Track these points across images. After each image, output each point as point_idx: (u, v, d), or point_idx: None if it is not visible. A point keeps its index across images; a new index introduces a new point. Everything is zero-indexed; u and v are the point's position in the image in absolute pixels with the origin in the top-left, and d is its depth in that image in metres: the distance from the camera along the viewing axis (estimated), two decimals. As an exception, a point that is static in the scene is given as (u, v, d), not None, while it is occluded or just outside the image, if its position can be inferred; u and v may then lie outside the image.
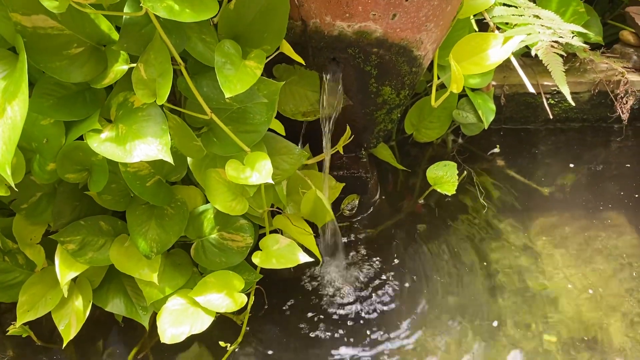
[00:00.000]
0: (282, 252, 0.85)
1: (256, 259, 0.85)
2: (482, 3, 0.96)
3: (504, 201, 1.26)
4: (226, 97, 0.66)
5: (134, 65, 0.70)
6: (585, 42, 1.26)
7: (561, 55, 0.95)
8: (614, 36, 1.46)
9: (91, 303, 0.91)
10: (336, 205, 1.13)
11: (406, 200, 1.24)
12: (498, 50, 0.91)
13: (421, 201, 1.22)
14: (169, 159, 0.68)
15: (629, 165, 1.36)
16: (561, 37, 0.92)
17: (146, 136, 0.70)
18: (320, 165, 1.05)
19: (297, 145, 0.90)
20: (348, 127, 0.97)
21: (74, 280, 0.91)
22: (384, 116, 1.02)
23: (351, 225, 1.16)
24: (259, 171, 0.72)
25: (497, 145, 1.35)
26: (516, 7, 1.00)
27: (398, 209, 1.22)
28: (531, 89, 0.95)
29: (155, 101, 0.68)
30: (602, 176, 1.33)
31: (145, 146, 0.69)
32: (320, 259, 0.97)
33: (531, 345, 1.01)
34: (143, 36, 0.68)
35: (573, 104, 0.98)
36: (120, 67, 0.70)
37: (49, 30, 0.67)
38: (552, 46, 0.93)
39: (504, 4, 1.01)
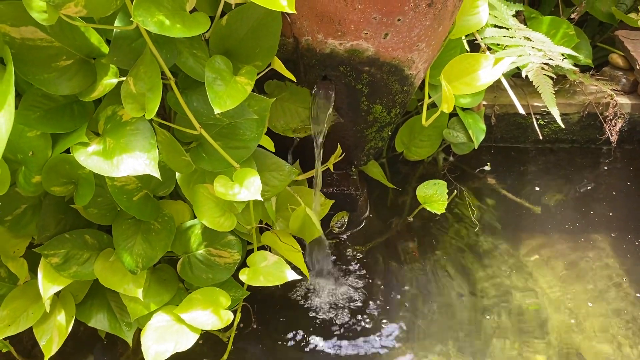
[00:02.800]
0: (270, 270, 0.84)
1: (243, 275, 0.84)
2: (474, 24, 0.97)
3: (494, 220, 1.26)
4: (216, 113, 0.65)
5: (124, 78, 0.70)
6: (575, 65, 1.28)
7: (551, 77, 0.96)
8: (604, 58, 1.48)
9: (74, 318, 0.89)
10: (325, 221, 1.13)
11: (396, 218, 1.23)
12: (489, 71, 0.91)
13: (411, 219, 1.22)
14: (156, 174, 0.67)
15: (617, 187, 1.36)
16: (551, 59, 0.92)
17: (134, 150, 0.69)
18: (310, 182, 1.04)
19: (287, 161, 0.89)
20: (339, 145, 0.97)
21: (57, 294, 0.89)
22: (375, 134, 1.02)
23: (340, 242, 1.15)
24: (248, 188, 0.72)
25: (488, 164, 1.35)
26: (507, 28, 1.01)
27: (387, 227, 1.21)
28: (522, 111, 0.96)
29: (144, 115, 0.68)
30: (590, 197, 1.34)
31: (133, 160, 0.69)
32: (308, 277, 0.96)
33: (519, 366, 1.00)
34: (133, 50, 0.68)
35: (562, 125, 0.99)
36: (109, 81, 0.70)
37: (38, 42, 0.67)
38: (542, 68, 0.93)
39: (495, 26, 1.01)
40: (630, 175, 1.37)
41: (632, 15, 1.42)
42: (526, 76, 0.99)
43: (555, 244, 1.23)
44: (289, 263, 0.90)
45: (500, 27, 1.01)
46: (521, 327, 1.06)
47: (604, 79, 1.34)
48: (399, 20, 0.78)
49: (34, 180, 0.76)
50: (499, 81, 1.03)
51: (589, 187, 1.36)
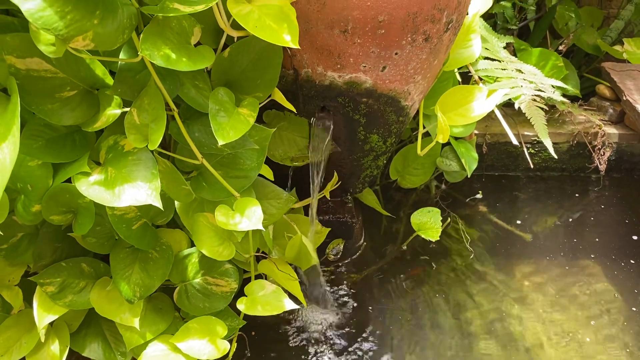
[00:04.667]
0: (268, 299, 0.84)
1: (241, 305, 0.84)
2: (467, 57, 1.00)
3: (486, 247, 1.27)
4: (219, 144, 0.66)
5: (127, 109, 0.70)
6: (564, 95, 1.31)
7: (543, 109, 0.98)
8: (590, 88, 1.52)
9: (68, 348, 0.88)
10: (321, 249, 1.13)
11: (390, 245, 1.24)
12: (483, 102, 0.93)
13: (404, 247, 1.23)
14: (158, 204, 0.68)
15: (606, 214, 1.39)
16: (543, 91, 0.95)
17: (136, 180, 0.70)
18: (306, 209, 1.05)
19: (285, 188, 0.90)
20: (335, 173, 0.98)
21: (51, 323, 0.88)
22: (371, 162, 1.04)
23: (336, 270, 1.16)
24: (249, 217, 0.72)
25: (480, 192, 1.37)
26: (499, 61, 1.03)
27: (382, 254, 1.22)
28: (515, 142, 0.98)
29: (146, 146, 0.68)
30: (580, 224, 1.36)
31: (135, 190, 0.69)
32: (305, 305, 0.96)
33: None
34: (137, 82, 0.69)
35: (555, 156, 1.01)
36: (113, 111, 0.71)
37: (43, 73, 0.67)
38: (534, 100, 0.96)
39: (488, 58, 1.04)
40: (618, 202, 1.40)
41: (617, 48, 1.47)
42: (518, 107, 1.01)
43: (546, 271, 1.25)
44: (286, 291, 0.90)
45: (493, 60, 1.03)
46: (513, 355, 1.07)
47: (591, 109, 1.38)
48: (396, 54, 0.80)
49: (33, 209, 0.76)
50: (491, 111, 1.05)
51: (578, 214, 1.38)
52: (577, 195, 1.41)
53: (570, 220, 1.37)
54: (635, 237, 1.33)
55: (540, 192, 1.41)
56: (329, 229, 1.07)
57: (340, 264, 1.17)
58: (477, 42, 1.01)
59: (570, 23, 1.45)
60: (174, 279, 0.89)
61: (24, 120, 0.73)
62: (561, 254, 1.28)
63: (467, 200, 1.37)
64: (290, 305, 0.83)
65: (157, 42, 0.62)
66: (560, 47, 1.37)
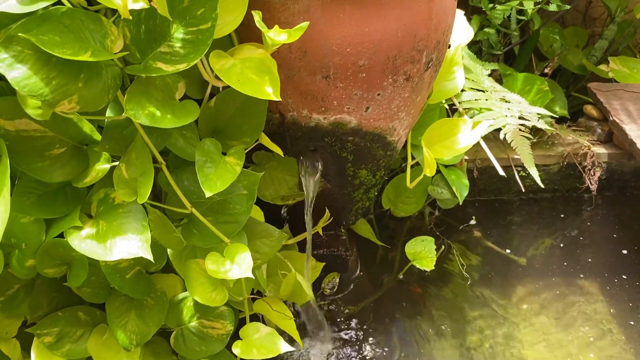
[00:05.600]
0: (263, 342, 0.85)
1: (237, 349, 0.84)
2: (451, 89, 1.01)
3: (482, 272, 1.28)
4: (206, 195, 0.67)
5: (116, 163, 0.72)
6: (552, 117, 1.32)
7: (528, 138, 0.99)
8: (579, 107, 1.54)
9: (66, 398, 0.88)
10: (317, 283, 1.14)
11: (386, 275, 1.25)
12: (468, 134, 0.95)
13: (401, 276, 1.23)
14: (149, 256, 0.69)
15: (600, 233, 1.40)
16: (528, 119, 0.96)
17: (126, 232, 0.71)
18: (300, 245, 1.06)
19: (277, 227, 0.91)
20: (327, 210, 0.99)
21: (49, 374, 0.89)
22: (362, 195, 1.05)
23: (332, 304, 1.16)
24: (239, 264, 0.73)
25: (474, 217, 1.38)
26: (483, 91, 1.05)
27: (379, 285, 1.23)
28: (501, 172, 0.99)
29: (136, 199, 0.70)
30: (574, 244, 1.37)
31: (126, 243, 0.70)
32: (301, 345, 0.96)
33: None
34: (124, 137, 0.70)
35: (542, 185, 1.02)
36: (102, 166, 0.72)
37: (32, 132, 0.69)
38: (519, 129, 0.97)
39: (472, 89, 1.06)
40: (612, 220, 1.41)
41: (602, 67, 1.49)
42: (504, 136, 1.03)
43: (544, 292, 1.25)
44: (281, 332, 0.91)
45: (477, 90, 1.05)
46: None
47: (580, 129, 1.39)
48: (378, 94, 0.82)
49: (27, 263, 0.77)
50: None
51: (572, 234, 1.39)
52: (569, 215, 1.42)
53: (564, 240, 1.37)
54: (625, 251, 1.34)
55: (533, 215, 1.42)
56: (324, 263, 1.08)
57: (336, 298, 1.17)
58: (460, 75, 1.02)
59: (555, 45, 1.47)
60: (169, 323, 0.90)
61: (14, 176, 0.74)
62: (557, 274, 1.29)
63: (461, 226, 1.38)
64: (285, 347, 0.84)
65: (141, 100, 0.63)
66: (546, 70, 1.39)
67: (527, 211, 1.42)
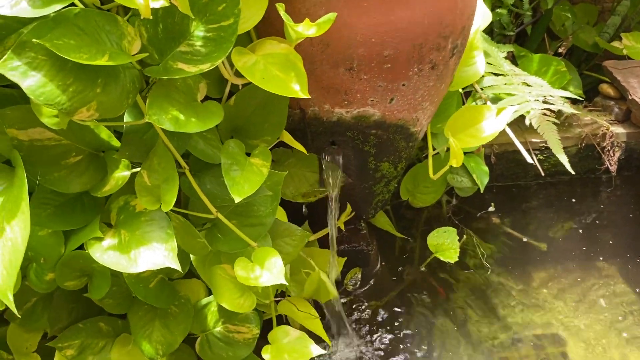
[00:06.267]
0: (294, 346, 0.82)
1: (267, 354, 0.82)
2: (472, 75, 0.98)
3: (502, 259, 1.26)
4: (235, 201, 0.64)
5: (136, 169, 0.68)
6: (567, 98, 1.29)
7: (555, 123, 0.96)
8: (591, 85, 1.50)
9: (93, 411, 0.86)
10: (339, 279, 1.11)
11: (407, 267, 1.22)
12: (492, 121, 0.92)
13: (423, 269, 1.21)
14: (176, 265, 0.66)
15: (619, 214, 1.37)
16: (552, 103, 0.93)
17: (150, 242, 0.68)
18: (320, 241, 1.03)
19: (297, 224, 0.88)
20: (348, 204, 0.96)
21: (73, 387, 0.86)
22: (382, 188, 1.02)
23: (356, 299, 1.14)
24: (270, 270, 0.70)
25: (492, 204, 1.35)
26: (504, 75, 1.02)
27: (400, 278, 1.20)
28: (529, 159, 0.95)
29: (160, 207, 0.67)
30: (593, 226, 1.35)
31: (151, 253, 0.67)
32: (329, 343, 0.94)
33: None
34: (145, 142, 0.67)
35: (573, 172, 0.99)
36: (121, 174, 0.68)
37: (47, 141, 0.65)
38: (544, 114, 0.94)
39: (492, 73, 1.02)
40: (632, 201, 1.38)
41: (616, 44, 1.45)
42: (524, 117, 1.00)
43: (564, 277, 1.23)
44: (308, 331, 0.89)
45: (497, 75, 1.02)
46: None
47: (597, 109, 1.36)
48: (403, 85, 0.78)
49: (47, 277, 0.74)
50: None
51: (592, 217, 1.36)
52: (588, 197, 1.39)
53: (583, 223, 1.35)
54: None
55: (551, 198, 1.39)
56: (345, 258, 1.05)
57: (359, 293, 1.15)
58: (480, 59, 0.99)
59: (567, 23, 1.43)
60: (194, 330, 0.87)
61: (30, 189, 0.71)
62: (576, 258, 1.27)
63: (479, 213, 1.35)
64: (317, 350, 0.81)
65: (163, 104, 0.60)
66: (560, 50, 1.35)
67: (545, 195, 1.40)
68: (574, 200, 1.38)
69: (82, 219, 0.71)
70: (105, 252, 0.68)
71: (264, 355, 0.82)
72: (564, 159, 0.95)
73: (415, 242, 1.27)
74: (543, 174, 1.17)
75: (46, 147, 0.65)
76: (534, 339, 1.11)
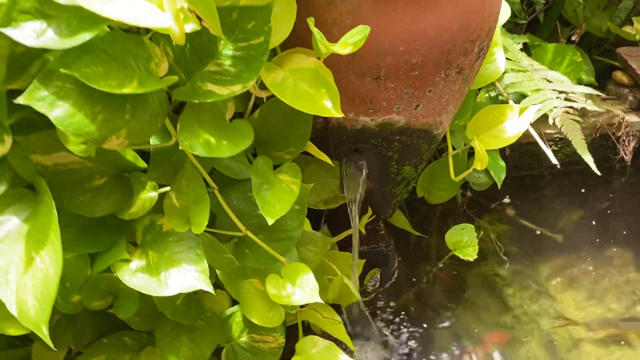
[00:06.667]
0: (323, 356, 0.81)
1: (295, 365, 0.81)
2: (493, 72, 0.96)
3: (518, 251, 1.26)
4: (269, 223, 0.62)
5: (163, 189, 0.66)
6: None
7: (578, 122, 0.95)
8: (601, 70, 1.48)
9: None
10: (359, 280, 1.10)
11: (423, 263, 1.22)
12: (515, 122, 0.90)
13: (440, 265, 1.21)
14: (208, 288, 0.65)
15: (632, 202, 1.37)
16: (575, 101, 0.91)
17: (180, 263, 0.66)
18: (339, 244, 1.02)
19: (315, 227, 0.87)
20: (369, 208, 0.95)
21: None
22: (402, 189, 1.01)
23: (375, 300, 1.13)
24: (302, 287, 0.69)
25: (507, 196, 1.34)
26: (524, 71, 1.00)
27: (418, 275, 1.20)
28: (554, 160, 0.94)
29: (190, 229, 0.65)
30: (606, 215, 1.35)
31: (181, 275, 0.65)
32: (353, 349, 0.94)
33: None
34: (173, 163, 0.65)
35: (599, 173, 0.98)
36: (149, 195, 0.66)
37: (70, 165, 0.63)
38: (567, 112, 0.92)
39: (512, 70, 1.00)
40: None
41: (627, 29, 1.43)
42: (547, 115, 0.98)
43: (577, 266, 1.24)
44: (332, 338, 0.88)
45: (518, 71, 1.00)
46: (556, 354, 1.06)
47: (610, 98, 1.34)
48: (430, 91, 0.77)
49: (73, 299, 0.73)
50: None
51: (604, 205, 1.36)
52: (601, 186, 1.38)
53: (596, 212, 1.35)
54: None
55: (565, 187, 1.38)
56: (364, 260, 1.04)
57: (378, 292, 1.14)
58: (500, 56, 0.97)
59: (579, 9, 1.40)
60: (219, 341, 0.87)
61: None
62: (589, 246, 1.28)
63: (493, 205, 1.34)
64: (346, 359, 0.81)
65: (194, 128, 0.58)
66: (574, 38, 1.33)
67: (559, 184, 1.39)
68: (587, 189, 1.38)
69: (107, 240, 0.70)
70: (134, 274, 0.66)
71: (293, 366, 0.82)
72: (589, 160, 0.94)
73: (431, 237, 1.26)
74: (559, 166, 1.16)
75: (70, 171, 0.63)
76: (547, 328, 1.12)
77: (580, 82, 1.31)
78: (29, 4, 0.48)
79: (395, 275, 1.18)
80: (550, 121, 0.95)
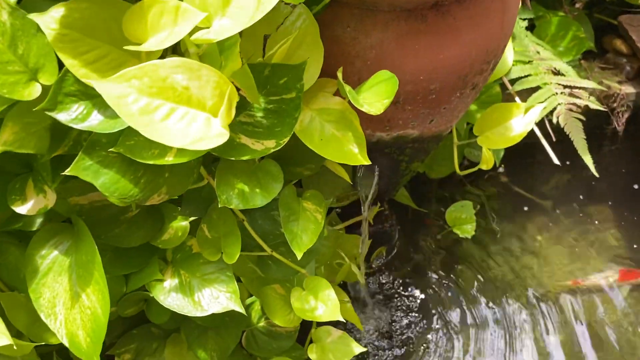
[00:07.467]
0: (337, 345, 0.89)
1: (312, 354, 0.89)
2: (501, 68, 0.97)
3: (509, 218, 1.34)
4: (297, 257, 0.67)
5: (194, 217, 0.70)
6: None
7: (581, 120, 0.98)
8: (600, 30, 1.49)
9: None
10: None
11: (423, 235, 1.29)
12: (521, 120, 0.93)
13: (439, 237, 1.28)
14: (240, 309, 0.70)
15: (619, 165, 1.44)
16: (579, 97, 0.94)
17: (212, 284, 0.71)
18: (347, 228, 1.08)
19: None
20: (378, 203, 1.00)
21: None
22: (408, 177, 1.05)
23: (378, 274, 1.21)
24: (325, 302, 0.75)
25: (502, 165, 1.39)
26: (531, 62, 1.01)
27: (418, 246, 1.27)
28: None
29: (221, 257, 0.69)
30: (593, 177, 1.42)
31: (215, 296, 0.71)
32: (362, 329, 1.02)
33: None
34: (204, 198, 0.68)
35: (597, 174, 1.02)
36: (180, 224, 0.70)
37: (105, 201, 0.66)
38: (571, 110, 0.95)
39: (519, 62, 1.01)
40: (632, 154, 1.45)
41: (630, -9, 1.41)
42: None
43: (559, 227, 1.34)
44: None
45: (525, 63, 1.00)
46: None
47: (608, 67, 1.36)
48: (444, 108, 0.79)
49: (110, 310, 0.78)
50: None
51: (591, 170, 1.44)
52: (591, 151, 1.44)
53: (585, 175, 1.42)
54: (636, 186, 1.42)
55: (556, 154, 1.43)
56: (370, 240, 1.10)
57: (381, 267, 1.21)
58: (509, 49, 0.98)
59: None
60: (240, 325, 0.94)
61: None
62: (574, 211, 1.37)
63: (489, 173, 1.40)
64: (358, 349, 0.88)
65: (229, 179, 0.60)
66: (577, 5, 1.32)
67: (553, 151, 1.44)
68: (578, 155, 1.43)
69: (140, 260, 0.74)
70: (169, 294, 0.71)
71: (309, 355, 0.89)
72: (589, 162, 0.98)
73: (430, 207, 1.32)
74: (554, 139, 1.20)
75: (106, 206, 0.66)
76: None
77: (580, 47, 1.32)
78: (74, 87, 0.49)
79: (397, 248, 1.25)
80: (555, 120, 0.98)
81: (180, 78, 0.42)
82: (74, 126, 0.50)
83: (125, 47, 0.43)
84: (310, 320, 0.77)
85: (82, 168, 0.53)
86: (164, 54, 0.49)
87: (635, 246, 1.34)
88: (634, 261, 1.33)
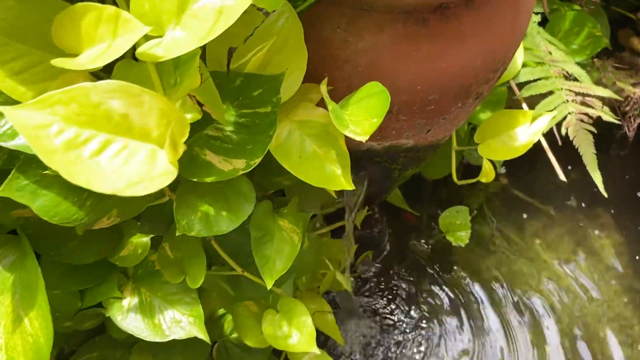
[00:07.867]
0: (313, 363, 0.83)
1: (286, 371, 0.83)
2: (510, 71, 0.89)
3: (509, 224, 1.27)
4: (267, 287, 0.60)
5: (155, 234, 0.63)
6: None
7: (592, 132, 0.90)
8: (616, 22, 1.39)
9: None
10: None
11: (414, 237, 1.22)
12: (526, 129, 0.85)
13: (432, 241, 1.21)
14: (203, 336, 0.64)
15: (624, 172, 1.37)
16: (591, 106, 0.86)
17: (174, 306, 0.65)
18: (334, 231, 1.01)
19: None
20: (366, 207, 0.92)
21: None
22: (400, 182, 0.97)
23: (364, 279, 1.14)
24: (299, 329, 0.68)
25: (503, 166, 1.32)
26: (542, 64, 0.92)
27: (407, 248, 1.20)
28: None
29: (184, 279, 0.62)
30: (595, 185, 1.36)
31: (177, 320, 0.64)
32: (342, 344, 0.96)
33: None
34: (165, 216, 0.61)
35: (606, 194, 0.95)
36: (140, 240, 0.63)
37: (54, 213, 0.58)
38: (582, 120, 0.87)
39: (526, 65, 0.92)
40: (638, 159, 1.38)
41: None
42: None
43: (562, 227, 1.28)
44: (323, 334, 0.90)
45: (536, 64, 0.92)
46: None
47: (623, 67, 1.27)
48: (443, 119, 0.71)
49: (64, 324, 0.71)
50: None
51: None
52: (598, 155, 1.37)
53: (588, 180, 1.35)
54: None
55: (560, 157, 1.36)
56: (356, 246, 1.03)
57: (369, 271, 1.15)
58: (519, 50, 0.89)
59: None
60: (212, 337, 0.87)
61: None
62: (575, 218, 1.30)
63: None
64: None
65: (191, 200, 0.53)
66: (594, -1, 1.22)
67: (554, 154, 1.36)
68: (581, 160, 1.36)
69: (97, 274, 0.67)
70: (127, 315, 0.65)
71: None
72: (598, 179, 0.91)
73: (422, 209, 1.25)
74: (560, 143, 1.13)
75: (54, 219, 0.59)
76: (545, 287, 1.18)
77: (595, 46, 1.23)
78: (1, 99, 0.41)
79: (386, 252, 1.18)
80: (563, 131, 0.90)
81: (117, 104, 0.34)
82: (2, 144, 0.42)
83: (53, 62, 0.35)
84: (282, 349, 0.71)
85: (16, 188, 0.45)
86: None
87: (637, 257, 1.28)
88: (634, 271, 1.27)
